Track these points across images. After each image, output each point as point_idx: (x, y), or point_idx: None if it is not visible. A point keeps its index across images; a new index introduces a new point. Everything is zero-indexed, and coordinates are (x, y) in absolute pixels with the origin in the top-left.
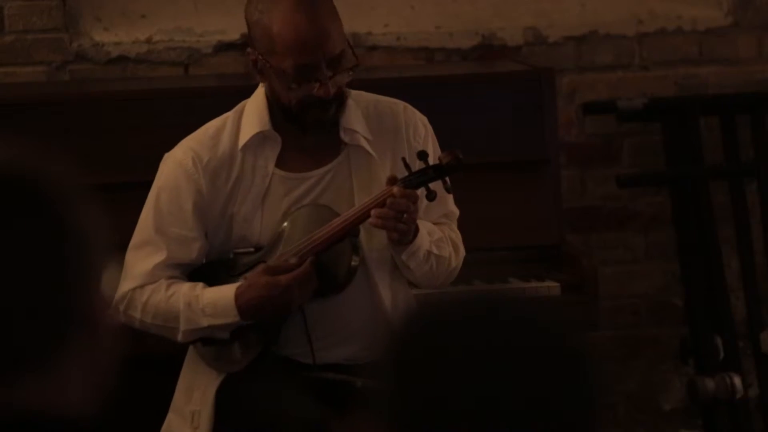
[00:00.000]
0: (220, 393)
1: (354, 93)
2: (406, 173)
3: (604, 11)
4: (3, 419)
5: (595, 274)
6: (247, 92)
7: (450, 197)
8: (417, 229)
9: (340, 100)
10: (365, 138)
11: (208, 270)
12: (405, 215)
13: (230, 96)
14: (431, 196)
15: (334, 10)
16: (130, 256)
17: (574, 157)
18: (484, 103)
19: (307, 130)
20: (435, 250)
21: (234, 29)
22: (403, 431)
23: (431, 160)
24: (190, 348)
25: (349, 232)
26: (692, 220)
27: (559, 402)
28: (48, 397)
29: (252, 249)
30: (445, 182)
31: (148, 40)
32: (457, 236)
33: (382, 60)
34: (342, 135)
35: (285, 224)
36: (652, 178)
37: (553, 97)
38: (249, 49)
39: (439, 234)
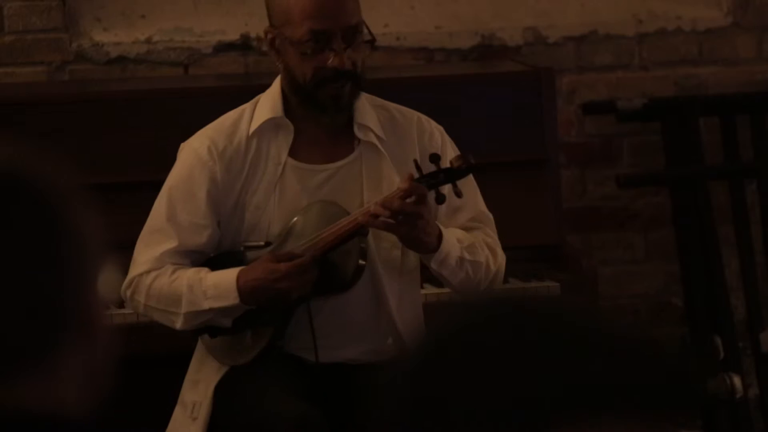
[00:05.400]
0: (219, 387)
1: (367, 96)
2: (417, 176)
3: (604, 11)
4: None
5: (595, 274)
6: (247, 92)
7: (479, 198)
8: (441, 236)
9: (355, 79)
10: (378, 136)
11: (218, 262)
12: (400, 217)
13: (230, 96)
14: (440, 199)
15: None
16: (140, 243)
17: (574, 157)
18: (484, 103)
19: (323, 110)
20: (468, 256)
21: (234, 29)
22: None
23: (442, 164)
24: (200, 340)
25: (357, 232)
26: (692, 220)
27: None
28: (43, 398)
29: (262, 243)
30: (455, 186)
31: (148, 41)
32: (494, 240)
33: (382, 60)
34: (356, 130)
35: (295, 219)
36: (652, 178)
37: (553, 97)
38: (267, 28)
39: (471, 239)
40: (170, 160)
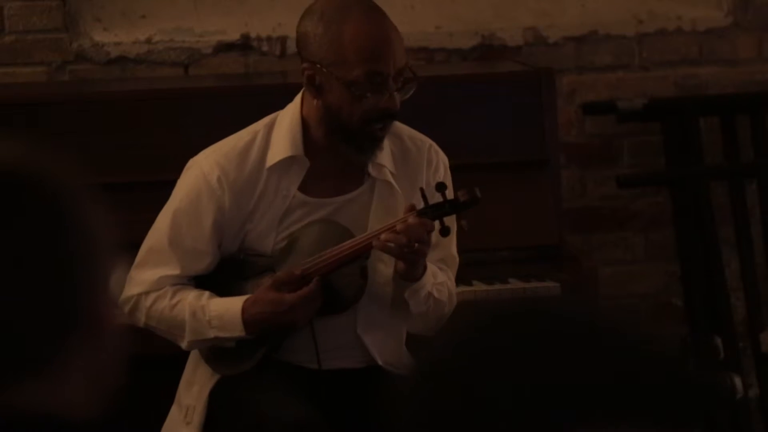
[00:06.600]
0: (214, 392)
1: None
2: (423, 205)
3: (604, 11)
4: (5, 420)
5: (595, 274)
6: (247, 93)
7: (453, 242)
8: (425, 268)
9: (395, 119)
10: (391, 172)
11: (217, 270)
12: (416, 245)
13: (230, 96)
14: (445, 231)
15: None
16: (139, 259)
17: (574, 157)
18: (484, 103)
19: (360, 150)
20: (435, 293)
21: (234, 29)
22: None
23: (448, 195)
24: None
25: (360, 256)
26: (692, 220)
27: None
28: (51, 398)
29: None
30: (459, 218)
31: (148, 41)
32: (453, 284)
33: None
34: (370, 169)
35: (298, 235)
36: (652, 178)
37: (553, 97)
38: (305, 65)
39: (442, 278)
40: (170, 160)
